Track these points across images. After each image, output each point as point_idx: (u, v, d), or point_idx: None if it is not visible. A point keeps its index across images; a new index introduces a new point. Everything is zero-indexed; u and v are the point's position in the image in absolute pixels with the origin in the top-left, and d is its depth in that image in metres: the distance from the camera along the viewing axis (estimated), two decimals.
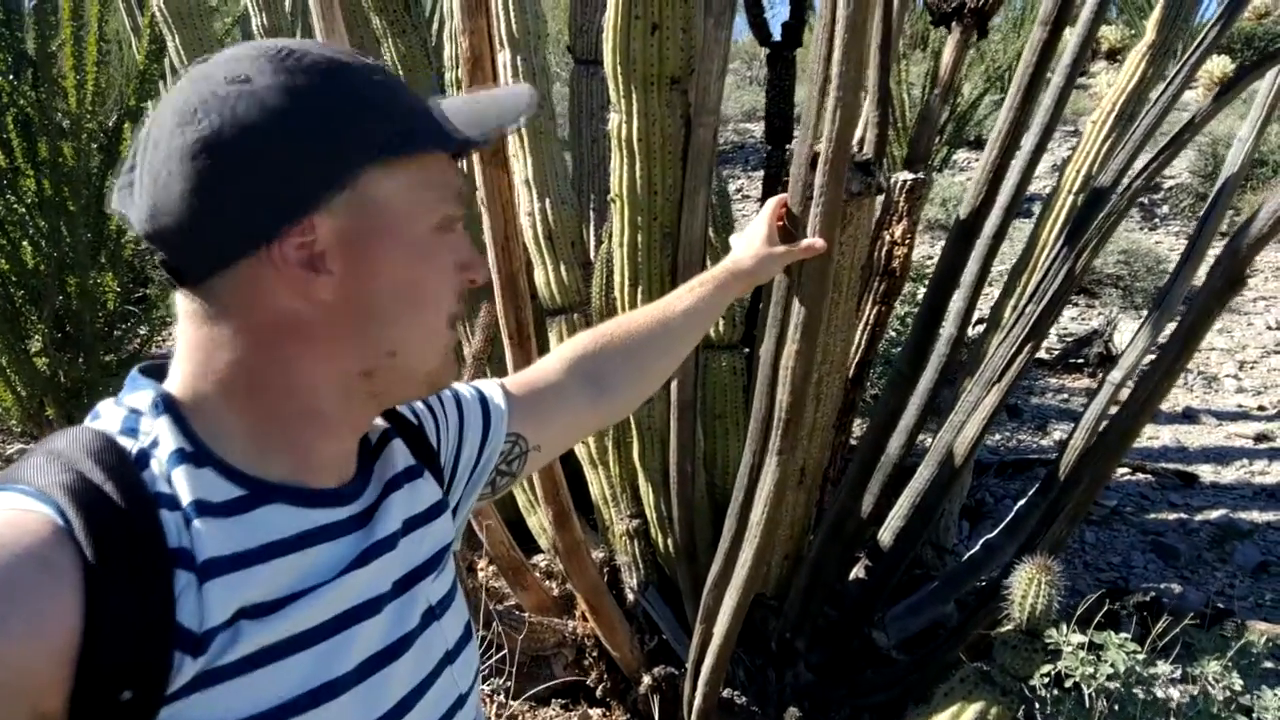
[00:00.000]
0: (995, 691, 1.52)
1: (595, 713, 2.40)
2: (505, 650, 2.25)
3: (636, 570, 2.35)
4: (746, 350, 2.32)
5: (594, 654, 2.38)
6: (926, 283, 4.70)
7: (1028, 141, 1.66)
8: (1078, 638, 1.71)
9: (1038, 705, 1.60)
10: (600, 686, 2.37)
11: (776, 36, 2.54)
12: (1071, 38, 1.53)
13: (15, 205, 3.61)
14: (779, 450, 1.39)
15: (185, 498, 0.63)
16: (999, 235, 1.83)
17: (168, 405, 0.66)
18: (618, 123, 1.67)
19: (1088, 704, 1.63)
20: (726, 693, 2.10)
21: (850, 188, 1.46)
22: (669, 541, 2.27)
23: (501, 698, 2.36)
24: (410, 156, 0.67)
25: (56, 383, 3.89)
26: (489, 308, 2.66)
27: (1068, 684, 1.62)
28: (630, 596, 2.37)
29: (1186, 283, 2.31)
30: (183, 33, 2.82)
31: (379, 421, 0.83)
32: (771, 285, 1.37)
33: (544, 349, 2.56)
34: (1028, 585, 1.50)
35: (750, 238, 1.22)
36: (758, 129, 8.62)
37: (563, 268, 2.28)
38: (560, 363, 1.05)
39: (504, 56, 2.21)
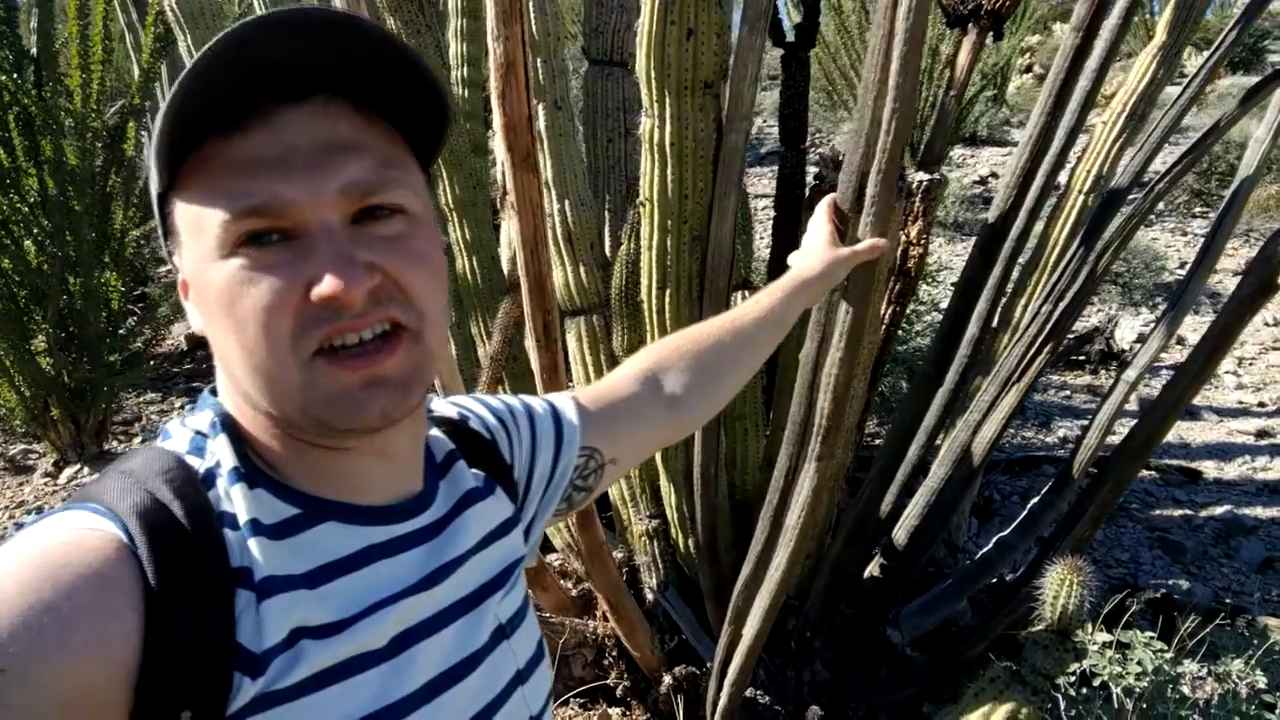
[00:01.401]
0: (1026, 691, 1.54)
1: (615, 712, 2.41)
2: None
3: (656, 570, 2.36)
4: None
5: (614, 654, 2.38)
6: (929, 280, 4.71)
7: (1053, 145, 1.67)
8: (1103, 636, 1.73)
9: (1065, 705, 1.62)
10: (620, 686, 2.37)
11: (790, 38, 2.55)
12: (1098, 43, 1.54)
13: (18, 204, 3.59)
14: (819, 456, 1.39)
15: (242, 517, 0.63)
16: (1023, 237, 1.84)
17: (225, 424, 0.67)
18: (650, 127, 1.67)
19: (1116, 703, 1.65)
20: (749, 692, 2.11)
21: None
22: (689, 542, 2.28)
23: None
24: (188, 171, 0.61)
25: (60, 382, 3.88)
26: (507, 307, 2.66)
27: (1095, 683, 1.64)
28: (650, 596, 2.38)
29: (1201, 282, 2.33)
30: (194, 32, 2.80)
31: (445, 441, 0.82)
32: None
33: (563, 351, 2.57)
34: (1059, 585, 1.52)
35: (813, 244, 1.20)
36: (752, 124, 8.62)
37: (582, 269, 2.28)
38: (633, 374, 1.04)
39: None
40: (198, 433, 0.67)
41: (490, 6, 1.48)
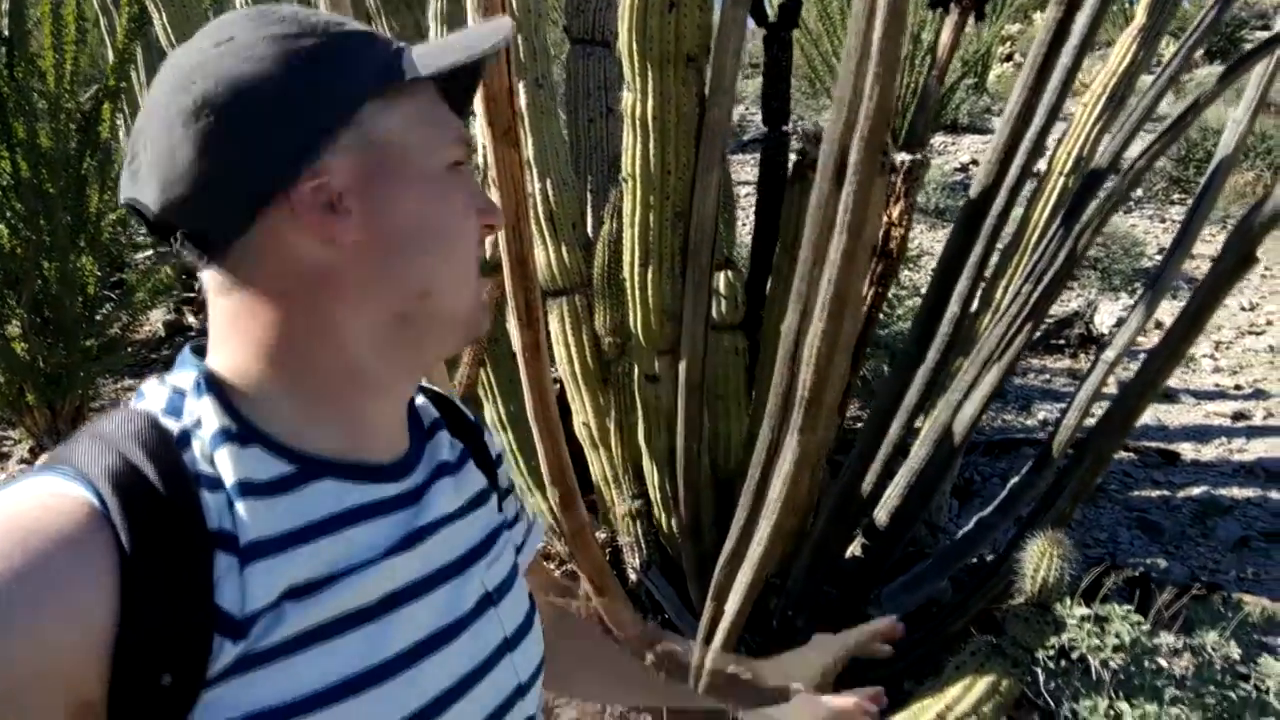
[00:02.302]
0: (1006, 664, 1.55)
1: None
2: None
3: (639, 550, 2.36)
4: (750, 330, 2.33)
5: None
6: (910, 265, 4.74)
7: (1034, 123, 1.67)
8: (1082, 610, 1.74)
9: (1044, 677, 1.64)
10: None
11: (773, 17, 2.54)
12: (1079, 18, 1.55)
13: None
14: (801, 429, 1.39)
15: (230, 478, 0.62)
16: (1003, 215, 1.85)
17: (210, 383, 0.65)
18: (632, 101, 1.66)
19: (1094, 675, 1.66)
20: None
21: None
22: (673, 521, 2.28)
23: None
24: (404, 89, 0.67)
25: (36, 368, 3.83)
26: (489, 288, 2.65)
27: (1074, 655, 1.65)
28: (633, 576, 2.38)
29: (1179, 263, 2.34)
30: (169, 9, 2.77)
31: (431, 409, 0.83)
32: (794, 261, 1.39)
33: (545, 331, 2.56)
34: (1040, 558, 1.53)
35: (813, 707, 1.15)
36: (735, 111, 8.61)
37: (564, 249, 2.27)
38: (549, 604, 1.07)
39: None
40: (176, 391, 0.66)
41: None
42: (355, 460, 0.70)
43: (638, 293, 1.89)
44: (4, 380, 3.77)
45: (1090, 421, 2.44)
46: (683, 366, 1.92)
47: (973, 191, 1.75)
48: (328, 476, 0.67)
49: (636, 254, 1.83)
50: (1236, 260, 1.58)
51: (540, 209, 2.24)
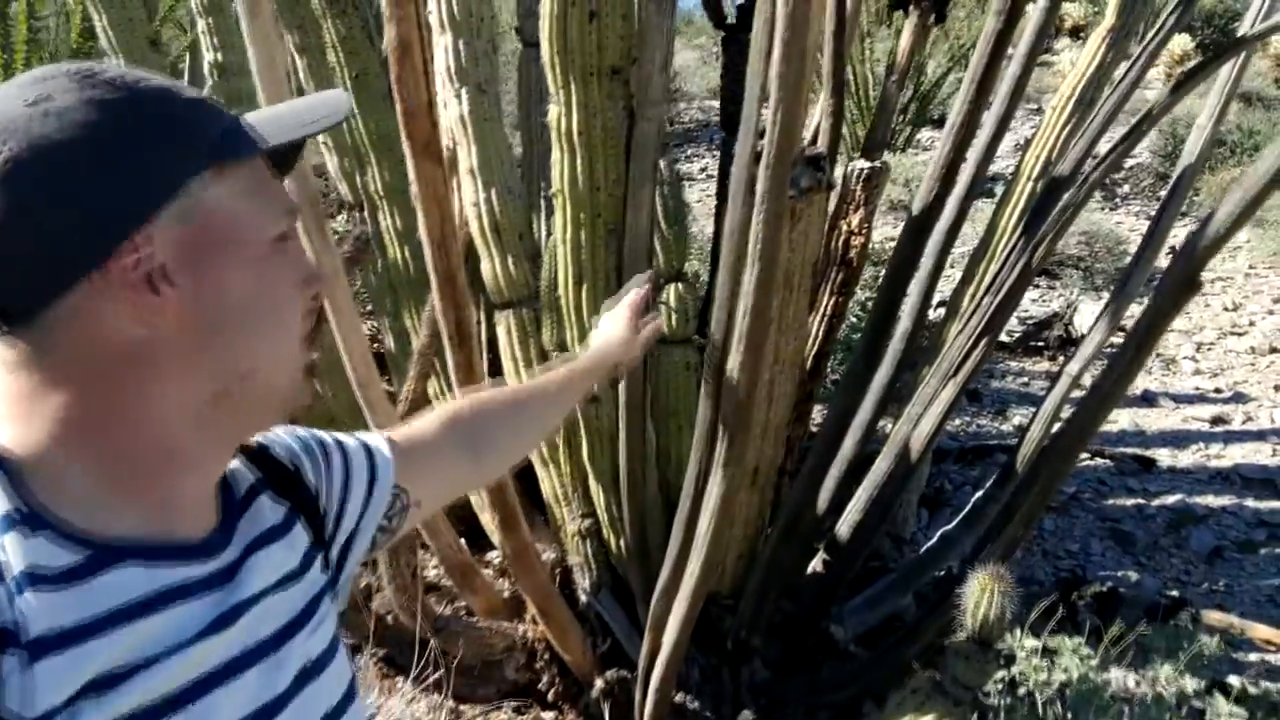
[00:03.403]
0: (948, 702, 1.49)
1: (548, 716, 2.35)
2: (450, 656, 2.19)
3: (589, 571, 2.30)
4: (701, 344, 2.26)
5: (545, 657, 2.32)
6: (879, 263, 4.66)
7: (983, 133, 1.60)
8: (1031, 642, 1.68)
9: (991, 715, 1.57)
10: (552, 690, 2.31)
11: (731, 18, 2.47)
12: (1028, 24, 1.47)
13: None
14: (724, 462, 1.33)
15: (15, 567, 0.56)
16: (954, 228, 1.78)
17: None
18: (557, 115, 1.59)
19: (1041, 711, 1.60)
20: (680, 697, 2.06)
21: (800, 184, 1.40)
22: (621, 542, 2.22)
23: (451, 703, 2.30)
24: (238, 161, 0.64)
25: None
26: (316, 354, 2.58)
27: (1020, 691, 1.59)
28: (583, 598, 2.32)
29: (1145, 271, 2.28)
30: (110, 12, 2.68)
31: (247, 474, 0.76)
32: (719, 285, 1.32)
33: (492, 344, 2.49)
34: (980, 594, 1.47)
35: (615, 320, 1.28)
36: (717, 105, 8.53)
37: (510, 260, 2.20)
38: (440, 421, 1.06)
39: (445, 40, 2.12)
40: None
41: None
42: (161, 541, 0.64)
43: (572, 312, 1.82)
44: None
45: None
46: (622, 386, 1.85)
47: (915, 207, 1.68)
48: (128, 561, 0.61)
49: (570, 272, 1.76)
50: (1181, 284, 1.51)
51: (485, 220, 2.16)
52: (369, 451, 0.91)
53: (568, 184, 1.64)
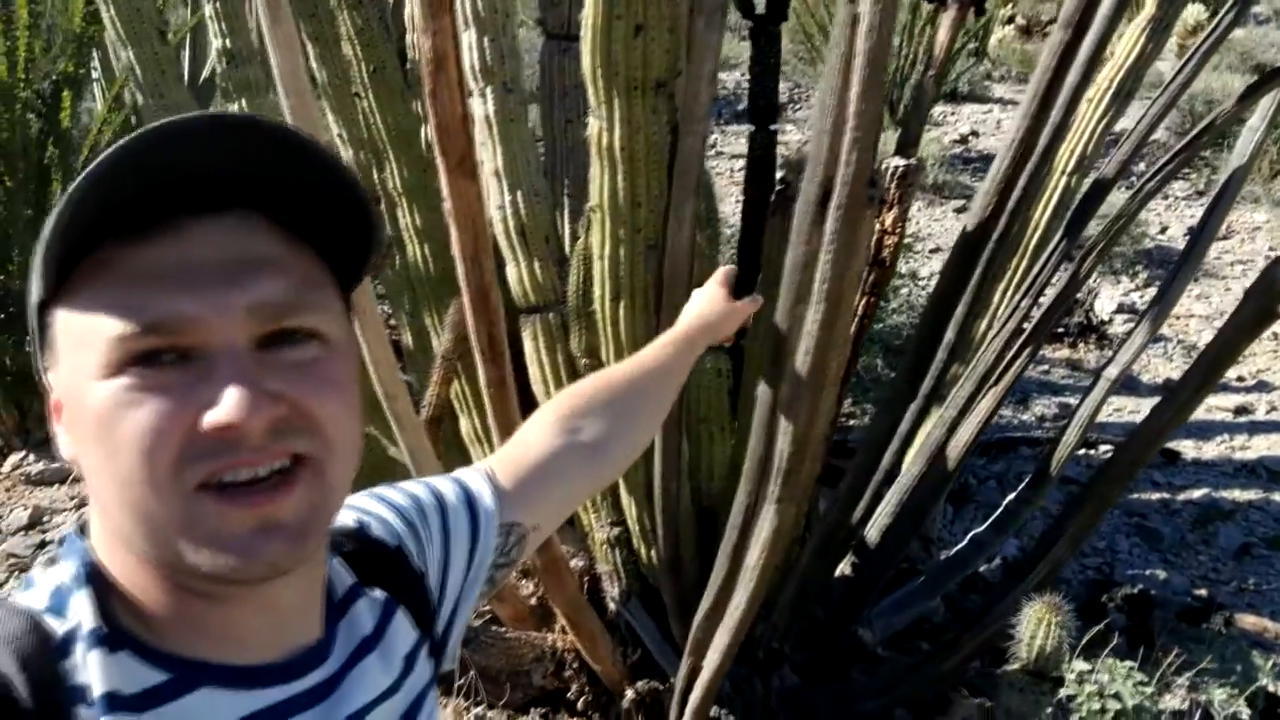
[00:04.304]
0: None
1: None
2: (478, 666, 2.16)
3: (618, 580, 2.26)
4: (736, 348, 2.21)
5: (574, 666, 2.30)
6: (905, 250, 4.58)
7: (1039, 145, 1.54)
8: (1081, 665, 1.64)
9: None
10: (581, 699, 2.29)
11: (760, 9, 2.39)
12: (1084, 42, 1.41)
13: None
14: (778, 499, 1.29)
15: (98, 689, 0.53)
16: (1001, 241, 1.72)
17: (89, 575, 0.56)
18: (598, 129, 1.53)
19: None
20: (714, 711, 2.03)
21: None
22: (652, 552, 2.18)
23: (479, 710, 2.28)
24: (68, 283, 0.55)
25: (3, 367, 3.71)
26: (458, 304, 2.52)
27: (1074, 719, 1.56)
28: (612, 606, 2.28)
29: (1192, 271, 2.23)
30: (117, 2, 2.60)
31: (344, 575, 0.71)
32: (777, 319, 1.27)
33: (517, 351, 2.43)
34: (1037, 625, 1.43)
35: (709, 294, 1.21)
36: (730, 78, 8.38)
37: (536, 265, 2.14)
38: (548, 429, 0.96)
39: (469, 36, 2.04)
40: (60, 585, 0.57)
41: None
42: (239, 664, 0.59)
43: (609, 327, 1.77)
44: None
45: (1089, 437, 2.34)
46: None
47: (969, 223, 1.62)
48: (208, 684, 0.57)
49: (608, 288, 1.71)
50: (1256, 315, 1.46)
51: (510, 223, 2.10)
52: (470, 502, 0.84)
53: (607, 199, 1.58)
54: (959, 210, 6.27)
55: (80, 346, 0.54)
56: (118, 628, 0.56)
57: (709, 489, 2.21)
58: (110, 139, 4.10)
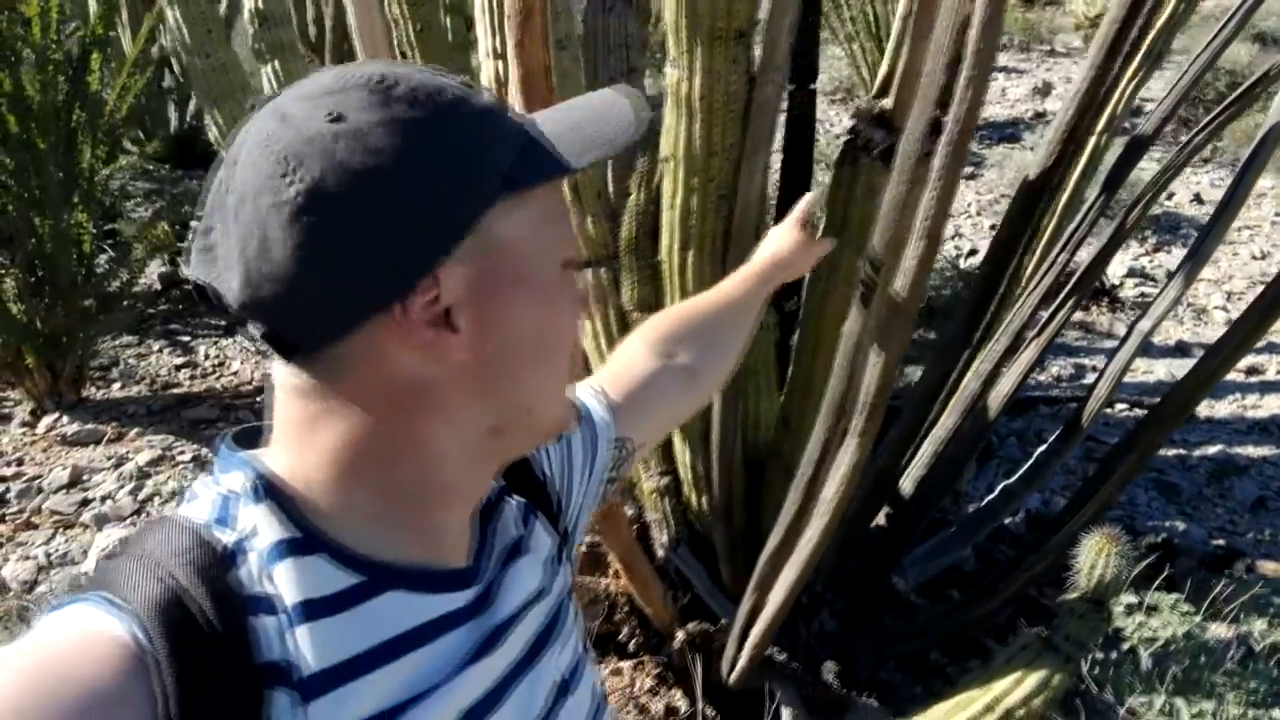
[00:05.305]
0: (1059, 659, 1.54)
1: (626, 665, 2.40)
2: None
3: (667, 527, 2.34)
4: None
5: (625, 609, 2.37)
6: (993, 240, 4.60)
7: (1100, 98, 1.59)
8: (1129, 598, 1.72)
9: (1095, 669, 1.63)
10: (632, 641, 2.37)
11: None
12: None
13: None
14: (861, 432, 1.35)
15: (290, 597, 0.56)
16: (1056, 191, 1.77)
17: (269, 490, 0.58)
18: (676, 79, 1.57)
19: (1140, 665, 1.65)
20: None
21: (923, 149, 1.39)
22: (703, 500, 2.25)
23: None
24: (533, 187, 0.59)
25: (34, 330, 3.74)
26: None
27: (1124, 647, 1.64)
28: (660, 553, 2.36)
29: (1219, 239, 2.29)
30: None
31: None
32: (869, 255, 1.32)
33: None
34: (1096, 555, 1.50)
35: (786, 230, 1.26)
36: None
37: (589, 220, 2.19)
38: (646, 350, 1.01)
39: None
40: (227, 497, 0.59)
41: None
42: (425, 567, 0.63)
43: (676, 276, 1.82)
44: (2, 343, 3.69)
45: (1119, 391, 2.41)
46: None
47: (1031, 173, 1.67)
48: (399, 587, 0.61)
49: (677, 237, 1.76)
50: None
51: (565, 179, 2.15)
52: (587, 417, 0.88)
53: (683, 148, 1.62)
54: (968, 178, 6.31)
55: (533, 254, 0.61)
56: (311, 534, 0.58)
57: (756, 440, 2.27)
58: (133, 102, 4.10)
